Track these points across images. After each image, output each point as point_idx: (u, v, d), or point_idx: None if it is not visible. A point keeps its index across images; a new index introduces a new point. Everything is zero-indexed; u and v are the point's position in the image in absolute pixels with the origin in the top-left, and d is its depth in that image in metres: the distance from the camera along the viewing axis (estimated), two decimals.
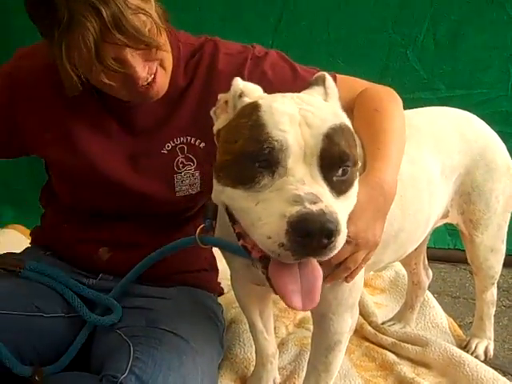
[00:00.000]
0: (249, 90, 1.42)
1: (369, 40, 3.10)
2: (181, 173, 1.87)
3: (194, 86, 1.84)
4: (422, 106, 2.19)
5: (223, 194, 1.31)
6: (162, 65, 1.69)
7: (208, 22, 3.05)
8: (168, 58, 1.72)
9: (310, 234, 1.13)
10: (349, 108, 1.66)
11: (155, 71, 1.67)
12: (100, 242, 1.95)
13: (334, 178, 1.25)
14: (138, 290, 1.97)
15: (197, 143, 1.86)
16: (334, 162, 1.25)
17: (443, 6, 3.04)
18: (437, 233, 3.00)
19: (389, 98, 1.80)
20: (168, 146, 1.85)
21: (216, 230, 1.64)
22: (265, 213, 1.19)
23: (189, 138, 1.86)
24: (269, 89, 1.83)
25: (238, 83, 1.42)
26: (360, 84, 1.87)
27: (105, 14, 1.50)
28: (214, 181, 1.35)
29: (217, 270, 2.21)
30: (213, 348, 1.90)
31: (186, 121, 1.85)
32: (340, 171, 1.26)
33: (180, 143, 1.86)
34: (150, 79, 1.66)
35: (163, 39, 1.67)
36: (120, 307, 1.87)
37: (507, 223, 2.20)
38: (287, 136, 1.22)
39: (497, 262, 2.24)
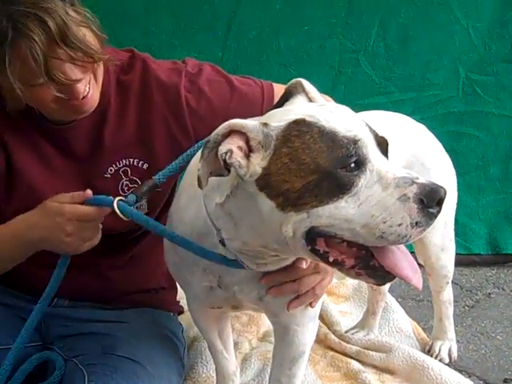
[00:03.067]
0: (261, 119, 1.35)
1: (319, 47, 3.11)
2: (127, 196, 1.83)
3: (129, 107, 1.82)
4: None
5: (309, 218, 1.25)
6: (94, 76, 1.67)
7: (156, 38, 3.02)
8: (101, 69, 1.69)
9: (440, 201, 1.22)
10: None
11: (89, 83, 1.64)
12: (49, 265, 1.83)
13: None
14: (94, 314, 1.94)
15: (140, 164, 1.83)
16: (385, 146, 1.33)
17: (391, 9, 3.07)
18: None
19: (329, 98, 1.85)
20: (111, 170, 1.82)
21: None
22: (377, 208, 1.21)
23: (131, 159, 1.83)
24: (208, 106, 1.83)
25: (243, 122, 1.30)
26: None
27: (51, 24, 1.49)
28: (289, 214, 1.26)
29: (175, 288, 2.18)
30: (171, 370, 1.87)
31: (127, 142, 1.82)
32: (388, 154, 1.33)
33: (123, 166, 1.82)
34: (85, 93, 1.63)
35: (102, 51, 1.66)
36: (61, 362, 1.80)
37: (452, 221, 2.22)
38: (361, 133, 1.26)
39: (449, 261, 2.25)
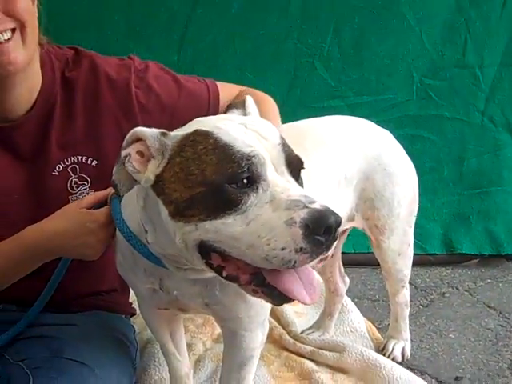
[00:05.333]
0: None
1: (275, 51, 3.13)
2: (76, 193, 1.83)
3: (76, 104, 1.82)
4: (332, 114, 2.21)
5: (197, 231, 1.24)
6: (22, 33, 1.64)
7: (111, 40, 3.03)
8: (32, 32, 1.66)
9: (329, 230, 1.15)
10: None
11: (12, 35, 1.61)
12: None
13: (299, 181, 1.29)
14: (42, 318, 1.90)
15: (89, 161, 1.83)
16: (297, 167, 1.30)
17: (345, 15, 3.11)
18: (356, 238, 3.04)
19: (264, 95, 1.90)
20: (59, 168, 1.81)
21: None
22: (264, 228, 1.17)
23: (79, 157, 1.82)
24: (157, 102, 1.85)
25: (143, 129, 1.32)
26: (237, 88, 1.97)
27: None
28: (179, 224, 1.26)
29: (128, 290, 2.16)
30: (121, 373, 1.86)
31: (75, 139, 1.82)
32: (300, 174, 1.31)
33: (71, 163, 1.82)
34: (2, 38, 1.60)
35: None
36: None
37: (412, 227, 2.23)
38: (260, 150, 1.23)
39: (405, 266, 2.27)
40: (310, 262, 1.18)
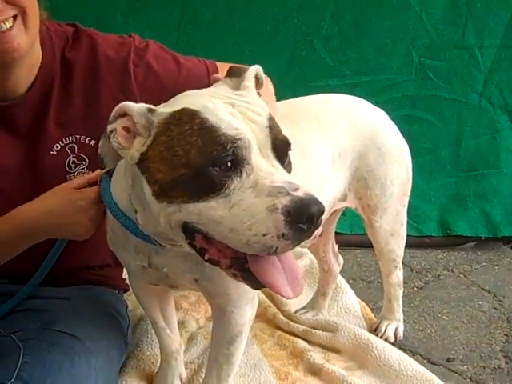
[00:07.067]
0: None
1: (274, 29, 3.11)
2: (73, 173, 1.83)
3: (75, 83, 1.81)
4: (330, 93, 2.20)
5: (180, 212, 1.23)
6: (24, 18, 1.62)
7: (111, 17, 3.01)
8: (33, 17, 1.65)
9: (310, 218, 1.15)
10: None
11: (14, 22, 1.60)
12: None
13: (285, 164, 1.28)
14: (35, 291, 1.91)
15: (87, 141, 1.82)
16: (284, 149, 1.28)
17: None
18: (352, 219, 3.04)
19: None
20: (57, 147, 1.81)
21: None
22: (246, 213, 1.17)
23: (78, 136, 1.82)
24: (156, 81, 1.84)
25: (130, 104, 1.30)
26: None
27: None
28: (162, 204, 1.25)
29: (121, 265, 2.15)
30: (112, 347, 1.87)
31: (74, 118, 1.81)
32: (287, 156, 1.29)
33: (69, 142, 1.81)
34: (4, 27, 1.59)
35: None
36: None
37: (405, 207, 2.22)
38: (246, 133, 1.21)
39: (398, 246, 2.26)
40: (292, 248, 1.18)
